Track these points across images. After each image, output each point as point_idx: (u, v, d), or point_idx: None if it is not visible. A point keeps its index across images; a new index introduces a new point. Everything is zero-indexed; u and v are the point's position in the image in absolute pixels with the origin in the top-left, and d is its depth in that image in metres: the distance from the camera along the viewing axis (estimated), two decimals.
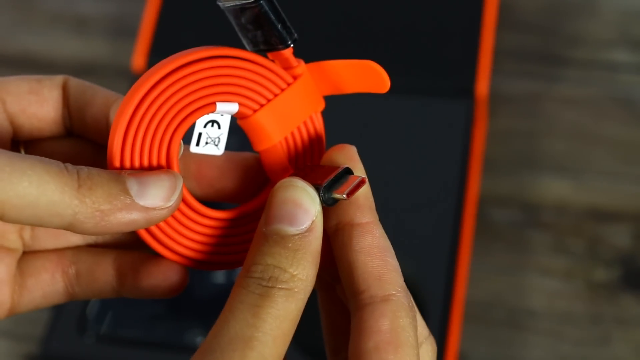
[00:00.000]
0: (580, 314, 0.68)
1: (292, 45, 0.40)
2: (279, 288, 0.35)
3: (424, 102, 0.73)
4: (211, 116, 0.39)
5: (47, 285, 0.40)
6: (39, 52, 0.85)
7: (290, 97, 0.40)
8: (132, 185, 0.35)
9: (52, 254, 0.40)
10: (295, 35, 0.40)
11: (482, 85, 0.73)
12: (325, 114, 0.78)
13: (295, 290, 0.35)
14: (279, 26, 0.39)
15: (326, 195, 0.37)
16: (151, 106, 0.37)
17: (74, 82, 0.41)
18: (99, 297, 0.41)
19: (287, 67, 0.40)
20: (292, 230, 0.36)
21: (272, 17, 0.39)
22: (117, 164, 0.36)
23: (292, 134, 0.40)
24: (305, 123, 0.41)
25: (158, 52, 0.77)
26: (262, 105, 0.39)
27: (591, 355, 0.66)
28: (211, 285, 0.68)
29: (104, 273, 0.40)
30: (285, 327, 0.34)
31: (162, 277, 0.39)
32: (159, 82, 0.37)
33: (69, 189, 0.34)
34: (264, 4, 0.39)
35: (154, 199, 0.35)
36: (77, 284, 0.40)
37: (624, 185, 0.73)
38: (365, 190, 0.39)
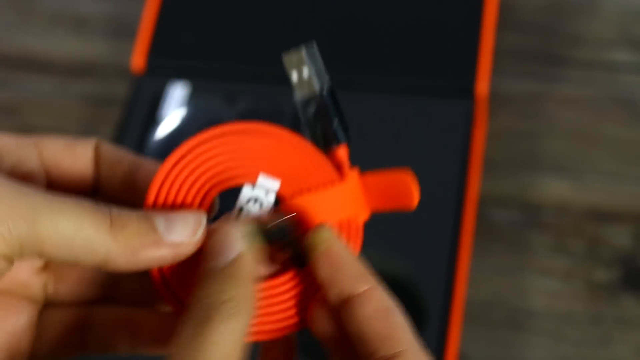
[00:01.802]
0: (581, 314, 0.68)
1: (345, 142, 0.42)
2: (216, 312, 0.37)
3: (424, 102, 0.73)
4: (255, 193, 0.41)
5: (65, 337, 0.42)
6: (38, 52, 0.85)
7: (332, 196, 0.41)
8: (160, 222, 0.38)
9: (72, 308, 0.43)
10: (349, 136, 0.42)
11: (482, 85, 0.73)
12: None
13: (232, 311, 0.37)
14: (335, 121, 0.42)
15: (266, 230, 0.39)
16: (194, 160, 0.40)
17: (106, 145, 0.44)
18: (115, 352, 0.43)
19: (341, 169, 0.42)
20: (219, 263, 0.38)
21: (331, 110, 0.42)
22: (150, 204, 0.39)
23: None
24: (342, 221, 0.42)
25: (157, 52, 0.77)
26: (302, 192, 0.41)
27: (591, 356, 0.66)
28: None
29: (118, 329, 0.42)
30: (229, 347, 0.37)
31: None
32: (209, 139, 0.40)
33: (103, 227, 0.37)
34: (326, 96, 0.42)
35: (180, 235, 0.38)
36: (92, 339, 0.42)
37: (625, 185, 0.73)
38: (357, 260, 0.42)
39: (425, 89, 0.74)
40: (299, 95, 0.42)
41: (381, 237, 0.68)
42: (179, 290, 0.40)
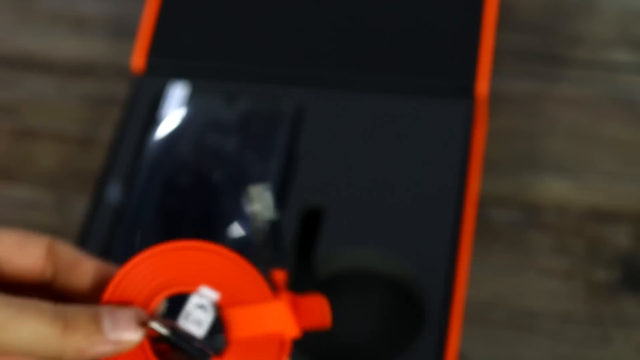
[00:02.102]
0: (581, 314, 0.68)
1: (281, 268, 0.50)
2: None
3: (424, 102, 0.73)
4: (201, 301, 0.47)
5: None
6: (38, 52, 0.85)
7: (264, 310, 0.48)
8: (106, 320, 0.45)
9: None
10: (286, 263, 0.53)
11: (482, 85, 0.73)
12: (325, 113, 0.77)
13: None
14: (273, 251, 0.51)
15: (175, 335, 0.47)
16: (147, 268, 0.47)
17: (62, 245, 0.49)
18: None
19: (277, 289, 0.49)
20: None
21: (272, 241, 0.52)
22: (104, 301, 0.46)
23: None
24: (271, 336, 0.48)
25: (157, 52, 0.77)
26: (239, 304, 0.48)
27: (591, 355, 0.66)
28: None
29: None
30: None
31: None
32: (161, 253, 0.47)
33: (58, 332, 0.44)
34: (270, 228, 0.52)
35: (122, 333, 0.45)
36: None
37: (624, 185, 0.73)
38: None
39: (425, 89, 0.74)
40: (253, 221, 0.52)
41: (381, 237, 0.68)
42: None
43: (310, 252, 0.68)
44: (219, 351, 0.47)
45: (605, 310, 0.68)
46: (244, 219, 0.68)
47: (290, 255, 0.68)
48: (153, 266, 0.47)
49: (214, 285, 0.47)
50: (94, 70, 0.83)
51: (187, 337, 0.47)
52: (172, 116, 0.74)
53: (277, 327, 0.48)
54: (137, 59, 0.77)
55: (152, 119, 0.74)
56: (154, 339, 0.47)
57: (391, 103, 0.73)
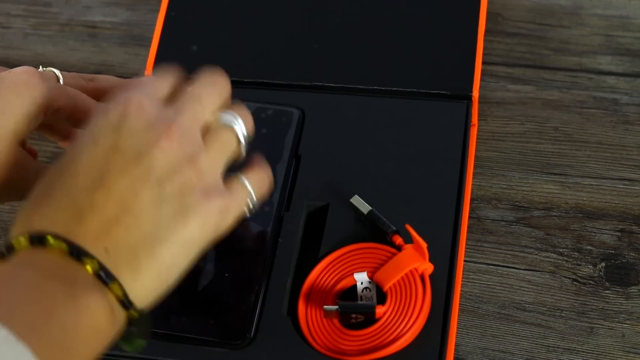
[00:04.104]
0: (567, 307, 0.68)
1: (394, 230, 0.68)
2: None
3: (419, 105, 0.73)
4: (364, 284, 0.65)
5: None
6: (52, 60, 0.85)
7: (397, 260, 0.66)
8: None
9: None
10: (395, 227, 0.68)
11: (476, 89, 0.73)
12: (325, 113, 0.76)
13: None
14: (384, 223, 0.68)
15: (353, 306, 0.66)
16: (322, 272, 0.67)
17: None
18: None
19: (401, 245, 0.67)
20: None
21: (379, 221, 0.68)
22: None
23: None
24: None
25: (165, 60, 0.77)
26: (377, 269, 0.66)
27: (577, 346, 0.67)
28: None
29: None
30: None
31: None
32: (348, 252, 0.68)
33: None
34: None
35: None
36: None
37: (609, 185, 0.73)
38: None
39: (419, 92, 0.74)
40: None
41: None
42: None
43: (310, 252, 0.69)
44: (384, 302, 0.64)
45: (590, 303, 0.68)
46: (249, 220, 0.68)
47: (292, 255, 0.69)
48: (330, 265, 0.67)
49: (362, 269, 0.66)
50: None
51: (362, 305, 0.64)
52: None
53: (412, 265, 0.64)
54: (150, 67, 0.77)
55: None
56: (341, 316, 0.63)
57: (388, 105, 0.74)
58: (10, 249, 0.49)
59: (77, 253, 0.48)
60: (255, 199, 0.57)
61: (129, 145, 0.51)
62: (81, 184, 0.50)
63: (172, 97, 0.56)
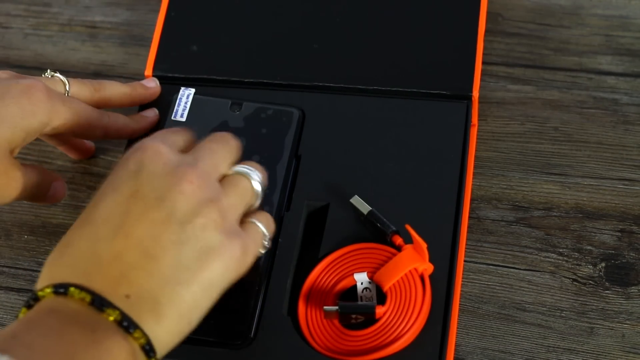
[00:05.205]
0: (567, 307, 0.68)
1: (394, 231, 0.67)
2: None
3: (419, 105, 0.73)
4: (364, 284, 0.65)
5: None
6: (52, 60, 0.85)
7: (396, 260, 0.66)
8: None
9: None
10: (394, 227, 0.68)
11: (476, 89, 0.73)
12: (325, 113, 0.77)
13: None
14: (384, 224, 0.68)
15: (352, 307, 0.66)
16: (322, 273, 0.67)
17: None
18: None
19: (401, 245, 0.67)
20: None
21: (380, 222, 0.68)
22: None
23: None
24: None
25: (165, 61, 0.77)
26: (377, 269, 0.66)
27: (577, 346, 0.67)
28: None
29: None
30: None
31: None
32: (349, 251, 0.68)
33: None
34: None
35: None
36: None
37: (609, 185, 0.74)
38: None
39: (420, 92, 0.74)
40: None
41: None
42: None
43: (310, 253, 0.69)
44: (383, 302, 0.64)
45: (590, 303, 0.68)
46: None
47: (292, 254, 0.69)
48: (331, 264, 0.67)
49: (362, 269, 0.66)
50: (105, 77, 0.82)
51: (362, 305, 0.64)
52: (179, 122, 0.73)
53: (412, 266, 0.64)
54: (150, 67, 0.77)
55: (160, 125, 0.74)
56: (341, 317, 0.64)
57: (388, 106, 0.74)
58: (36, 300, 0.50)
59: (100, 303, 0.49)
60: (268, 238, 0.59)
61: (149, 190, 0.52)
62: (102, 233, 0.51)
63: (187, 149, 0.57)
